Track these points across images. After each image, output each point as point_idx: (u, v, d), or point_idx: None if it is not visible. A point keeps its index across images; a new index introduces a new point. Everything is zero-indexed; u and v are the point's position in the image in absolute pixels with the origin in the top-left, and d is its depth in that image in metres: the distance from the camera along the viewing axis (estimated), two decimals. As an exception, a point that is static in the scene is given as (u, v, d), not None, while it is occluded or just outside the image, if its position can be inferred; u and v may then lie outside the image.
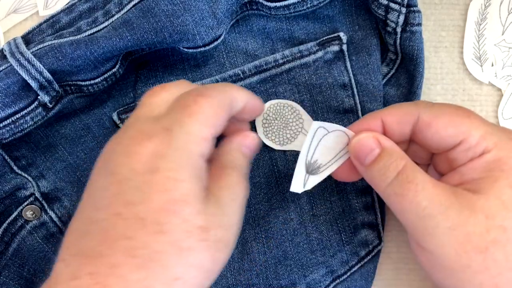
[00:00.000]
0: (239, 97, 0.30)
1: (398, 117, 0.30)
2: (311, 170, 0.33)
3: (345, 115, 0.37)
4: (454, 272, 0.27)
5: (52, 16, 0.35)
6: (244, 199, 0.29)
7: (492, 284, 0.27)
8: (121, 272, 0.24)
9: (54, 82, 0.33)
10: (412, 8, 0.34)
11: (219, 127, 0.28)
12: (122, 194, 0.25)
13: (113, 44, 0.32)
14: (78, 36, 0.33)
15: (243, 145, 0.32)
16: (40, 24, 0.35)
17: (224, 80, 0.36)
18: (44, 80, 0.33)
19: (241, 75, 0.36)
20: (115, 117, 0.37)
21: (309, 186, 0.33)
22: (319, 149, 0.32)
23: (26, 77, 0.32)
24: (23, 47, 0.33)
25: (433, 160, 0.32)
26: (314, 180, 0.33)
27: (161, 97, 0.29)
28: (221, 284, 0.37)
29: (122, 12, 0.33)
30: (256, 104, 0.32)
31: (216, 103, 0.28)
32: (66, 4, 0.36)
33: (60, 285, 0.24)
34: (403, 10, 0.34)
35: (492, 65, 0.39)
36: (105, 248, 0.24)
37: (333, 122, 0.35)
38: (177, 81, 0.31)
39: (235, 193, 0.29)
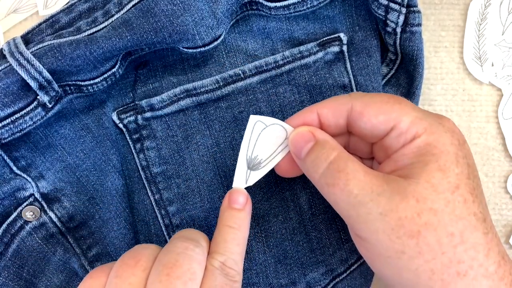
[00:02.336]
0: None
1: (332, 109, 0.31)
2: (252, 165, 0.33)
3: (345, 115, 0.37)
4: (390, 259, 0.27)
5: (52, 16, 0.35)
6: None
7: (427, 269, 0.27)
8: None
9: (54, 82, 0.33)
10: (412, 8, 0.34)
11: None
12: None
13: (112, 44, 0.32)
14: (78, 36, 0.33)
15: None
16: (40, 24, 0.35)
17: (224, 79, 0.36)
18: (43, 80, 0.32)
19: (241, 75, 0.36)
20: (114, 117, 0.37)
21: (251, 182, 0.33)
22: (258, 144, 0.32)
23: (26, 77, 0.32)
24: (22, 46, 0.33)
25: (372, 151, 0.32)
26: (256, 176, 0.33)
27: (138, 275, 0.28)
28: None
29: (122, 12, 0.33)
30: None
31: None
32: (66, 4, 0.35)
33: None
34: (403, 10, 0.34)
35: (492, 65, 0.39)
36: None
37: None
38: (148, 248, 0.30)
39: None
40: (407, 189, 0.27)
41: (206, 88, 0.36)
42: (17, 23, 0.39)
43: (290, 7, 0.36)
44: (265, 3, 0.35)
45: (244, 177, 0.33)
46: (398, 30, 0.35)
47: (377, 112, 0.29)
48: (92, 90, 0.35)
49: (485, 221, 0.27)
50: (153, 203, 0.37)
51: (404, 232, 0.26)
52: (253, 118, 0.32)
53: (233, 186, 0.33)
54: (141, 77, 0.37)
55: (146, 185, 0.37)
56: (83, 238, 0.37)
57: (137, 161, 0.37)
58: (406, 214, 0.26)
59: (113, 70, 0.34)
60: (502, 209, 0.40)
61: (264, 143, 0.32)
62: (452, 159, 0.27)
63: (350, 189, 0.28)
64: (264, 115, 0.36)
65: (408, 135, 0.28)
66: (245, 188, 0.33)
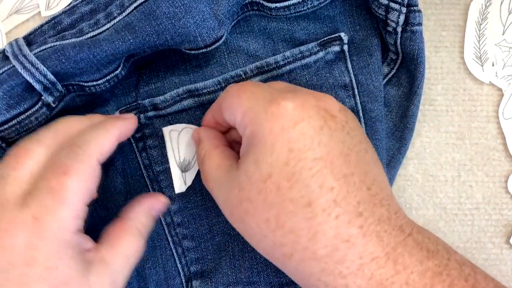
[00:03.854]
0: (107, 146, 0.31)
1: (216, 107, 0.33)
2: (184, 168, 0.36)
3: (346, 115, 0.37)
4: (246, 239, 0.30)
5: (54, 17, 0.35)
6: (137, 260, 0.32)
7: (262, 250, 0.29)
8: None
9: (58, 83, 0.33)
10: (412, 8, 0.34)
11: (91, 193, 0.30)
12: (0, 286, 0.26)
13: (115, 47, 0.32)
14: (81, 38, 0.33)
15: (153, 208, 0.34)
16: (42, 25, 0.35)
17: (226, 80, 0.36)
18: (48, 82, 0.33)
19: (243, 76, 0.36)
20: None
21: (189, 182, 0.36)
22: (181, 148, 0.36)
23: (31, 80, 0.32)
24: (26, 49, 0.33)
25: None
26: (191, 175, 0.36)
27: (25, 168, 0.29)
28: (222, 281, 0.37)
29: (124, 14, 0.33)
30: (129, 130, 0.34)
31: (83, 176, 0.29)
32: (68, 5, 0.36)
33: None
34: (404, 9, 0.34)
35: (493, 65, 0.39)
36: None
37: None
38: (40, 140, 0.31)
39: (129, 260, 0.31)
40: (234, 179, 0.29)
41: (209, 89, 0.36)
42: (19, 24, 0.39)
43: (291, 7, 0.36)
44: (266, 4, 0.36)
45: (182, 180, 0.36)
46: (399, 29, 0.35)
47: (226, 107, 0.31)
48: (95, 91, 0.35)
49: (310, 206, 0.26)
50: (155, 202, 0.37)
51: (235, 218, 0.29)
52: (165, 130, 0.36)
53: (176, 192, 0.36)
54: (144, 77, 0.37)
55: (148, 183, 0.37)
56: None
57: (139, 159, 0.37)
58: (234, 202, 0.29)
59: (116, 72, 0.35)
60: (503, 209, 0.40)
61: (185, 146, 0.36)
62: (266, 149, 0.27)
63: (208, 184, 0.31)
64: None
65: (241, 127, 0.29)
66: None
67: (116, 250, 0.30)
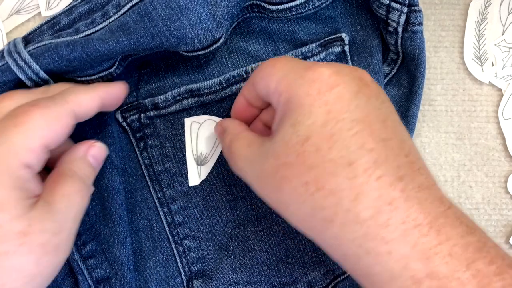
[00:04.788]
0: (87, 102, 0.31)
1: (249, 84, 0.32)
2: (200, 161, 0.36)
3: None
4: (277, 211, 0.29)
5: (53, 18, 0.35)
6: (82, 206, 0.31)
7: (298, 218, 0.28)
8: None
9: (51, 80, 0.33)
10: (413, 8, 0.34)
11: (55, 138, 0.29)
12: None
13: (109, 48, 0.32)
14: (75, 37, 0.33)
15: (89, 154, 0.33)
16: (41, 25, 0.35)
17: (228, 80, 0.36)
18: (39, 80, 0.33)
19: (245, 76, 0.36)
20: (118, 115, 0.37)
21: (203, 176, 0.37)
22: (200, 142, 0.36)
23: (23, 77, 0.32)
24: (20, 46, 0.33)
25: None
26: (206, 169, 0.37)
27: (2, 104, 0.30)
28: (222, 281, 0.37)
29: (120, 13, 0.33)
30: (114, 94, 0.33)
31: (51, 114, 0.29)
32: (67, 6, 0.36)
33: None
34: (405, 9, 0.34)
35: (492, 65, 0.40)
36: None
37: None
38: (30, 90, 0.31)
39: (70, 200, 0.30)
40: (269, 150, 0.28)
41: (210, 90, 0.36)
42: (19, 24, 0.40)
43: (292, 9, 0.36)
44: (267, 6, 0.36)
45: (196, 174, 0.36)
46: (400, 29, 0.35)
47: (260, 78, 0.30)
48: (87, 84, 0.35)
49: (351, 165, 0.26)
50: (156, 201, 0.37)
51: (271, 188, 0.28)
52: (187, 121, 0.35)
53: (189, 184, 0.36)
54: (145, 77, 0.37)
55: (149, 183, 0.37)
56: (78, 234, 0.37)
57: (140, 159, 0.37)
58: (269, 172, 0.28)
59: (110, 70, 0.35)
60: (502, 209, 0.40)
61: (204, 139, 0.36)
62: (304, 112, 0.27)
63: (238, 164, 0.31)
64: None
65: (276, 94, 0.29)
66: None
67: (55, 191, 0.29)
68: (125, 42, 0.32)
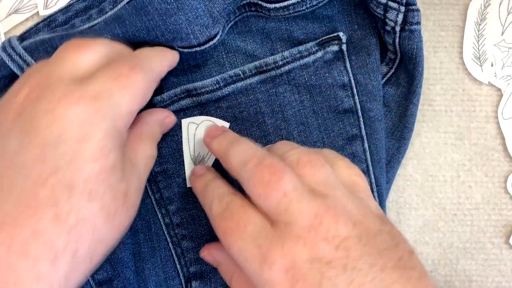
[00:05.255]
0: (166, 64, 0.32)
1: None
2: (198, 162, 0.36)
3: (345, 115, 0.37)
4: None
5: (49, 16, 0.36)
6: (150, 168, 0.32)
7: None
8: (46, 238, 0.24)
9: None
10: (411, 7, 0.34)
11: (147, 101, 0.29)
12: (47, 160, 0.25)
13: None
14: (70, 31, 0.33)
15: (164, 122, 0.34)
16: (38, 24, 0.36)
17: (225, 80, 0.36)
18: None
19: (241, 75, 0.36)
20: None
21: None
22: (197, 143, 0.35)
23: (18, 72, 0.32)
24: (15, 41, 0.33)
25: None
26: None
27: (86, 57, 0.28)
28: (221, 282, 0.37)
29: (116, 9, 0.33)
30: (177, 58, 0.34)
31: (148, 77, 0.29)
32: (65, 4, 0.36)
33: None
34: (402, 8, 0.34)
35: (492, 65, 0.39)
36: (26, 216, 0.24)
37: (332, 122, 0.36)
38: (103, 40, 0.30)
39: (148, 158, 0.31)
40: None
41: (207, 89, 0.36)
42: (18, 24, 0.39)
43: (290, 7, 0.36)
44: (264, 4, 0.36)
45: None
46: (397, 29, 0.35)
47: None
48: None
49: None
50: (153, 202, 0.37)
51: None
52: (184, 122, 0.35)
53: (187, 186, 0.36)
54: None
55: (147, 184, 0.37)
56: None
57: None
58: None
59: None
60: (502, 209, 0.40)
61: (201, 140, 0.35)
62: None
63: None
64: (264, 115, 0.37)
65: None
66: None
67: (138, 151, 0.30)
68: (120, 35, 0.32)
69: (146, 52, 0.31)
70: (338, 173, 0.30)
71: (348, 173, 0.30)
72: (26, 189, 0.24)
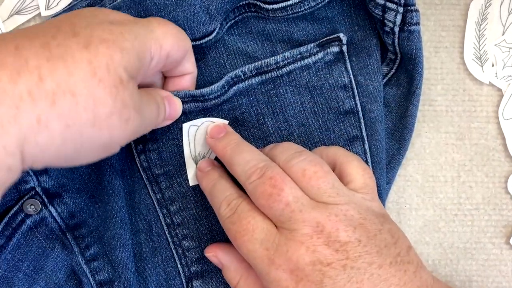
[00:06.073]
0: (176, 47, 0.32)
1: None
2: (199, 161, 0.36)
3: (345, 116, 0.37)
4: None
5: (52, 17, 0.36)
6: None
7: None
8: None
9: None
10: (409, 8, 0.34)
11: (173, 56, 0.31)
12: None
13: None
14: None
15: (168, 101, 0.34)
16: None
17: (226, 82, 0.36)
18: None
19: (242, 76, 0.36)
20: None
21: None
22: (198, 142, 0.36)
23: None
24: None
25: None
26: None
27: (112, 16, 0.29)
28: (222, 282, 0.37)
29: (115, 3, 0.34)
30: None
31: (181, 32, 0.31)
32: (67, 5, 0.36)
33: None
34: (400, 9, 0.34)
35: (493, 65, 0.39)
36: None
37: (333, 123, 0.36)
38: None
39: (152, 103, 0.31)
40: None
41: (215, 95, 0.35)
42: (20, 25, 0.40)
43: (288, 8, 0.36)
44: (263, 5, 0.36)
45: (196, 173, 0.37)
46: (396, 29, 0.35)
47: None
48: None
49: None
50: (155, 202, 0.37)
51: None
52: (184, 126, 0.35)
53: (190, 184, 0.37)
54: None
55: (148, 185, 0.37)
56: (82, 237, 0.37)
57: (137, 161, 0.37)
58: None
59: None
60: (502, 209, 0.40)
61: (202, 140, 0.36)
62: None
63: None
64: (265, 116, 0.37)
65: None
66: None
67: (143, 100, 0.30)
68: None
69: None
70: (351, 175, 0.32)
71: (361, 175, 0.32)
72: None
